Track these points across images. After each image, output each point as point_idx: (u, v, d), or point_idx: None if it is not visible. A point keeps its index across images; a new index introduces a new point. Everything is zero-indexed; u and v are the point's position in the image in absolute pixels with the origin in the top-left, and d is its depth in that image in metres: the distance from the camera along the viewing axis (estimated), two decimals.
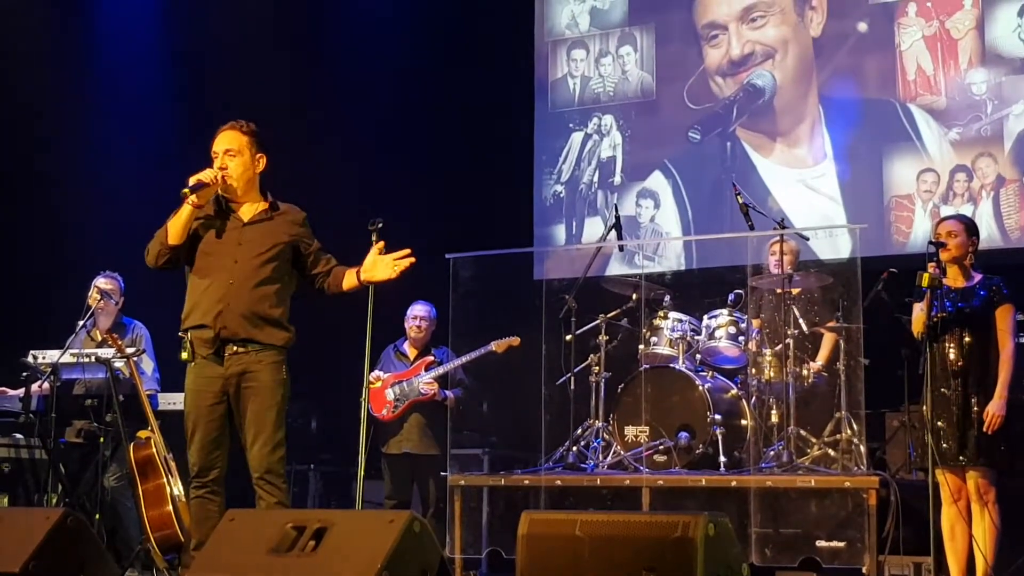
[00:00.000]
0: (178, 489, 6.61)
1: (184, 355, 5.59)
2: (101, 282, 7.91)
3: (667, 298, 8.14)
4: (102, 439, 7.51)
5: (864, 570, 6.65)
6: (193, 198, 5.52)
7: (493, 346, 8.25)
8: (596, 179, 10.56)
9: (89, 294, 7.77)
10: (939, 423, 6.22)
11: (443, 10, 11.03)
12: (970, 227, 6.45)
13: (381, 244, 5.67)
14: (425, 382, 8.38)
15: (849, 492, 6.81)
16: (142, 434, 6.84)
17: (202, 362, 5.55)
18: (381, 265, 5.65)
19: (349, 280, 5.72)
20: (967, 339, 6.24)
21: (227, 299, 5.52)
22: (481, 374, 8.51)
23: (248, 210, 5.72)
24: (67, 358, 7.50)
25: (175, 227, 5.58)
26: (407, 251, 5.65)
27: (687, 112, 10.27)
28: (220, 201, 5.69)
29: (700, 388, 7.58)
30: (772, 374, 7.60)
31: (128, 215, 8.58)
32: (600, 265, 9.42)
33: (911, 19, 9.55)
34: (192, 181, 5.54)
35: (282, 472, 5.54)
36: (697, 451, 7.52)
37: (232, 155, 5.66)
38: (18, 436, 7.85)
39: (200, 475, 5.53)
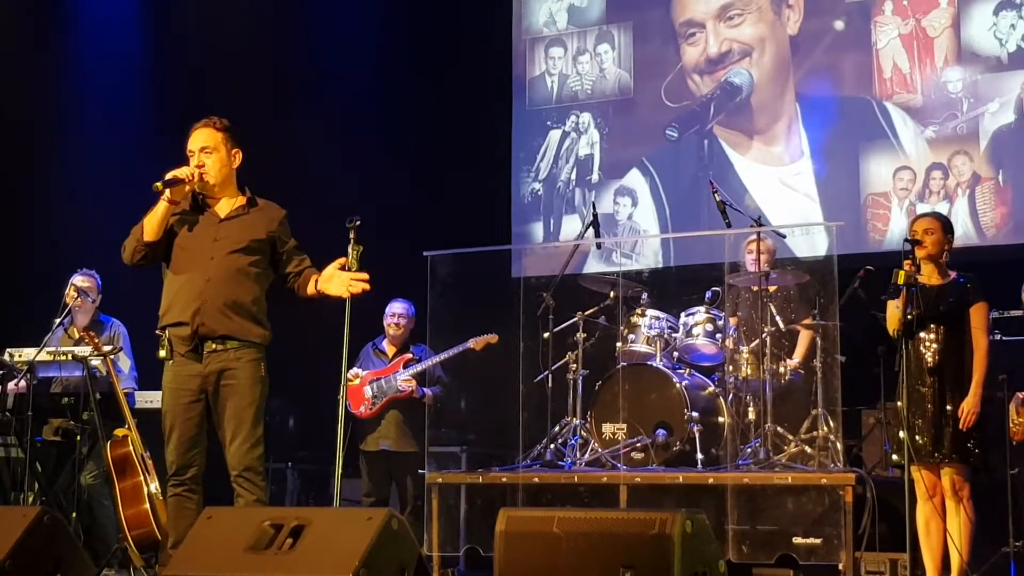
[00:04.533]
0: (155, 487, 6.59)
1: (162, 353, 5.57)
2: (78, 279, 7.88)
3: (644, 296, 8.16)
4: (79, 437, 7.50)
5: (840, 567, 6.68)
6: (167, 193, 5.49)
7: (471, 343, 8.24)
8: (574, 177, 10.56)
9: (66, 291, 7.73)
10: (915, 420, 6.25)
11: (421, 7, 11.01)
12: (946, 225, 6.48)
13: (342, 260, 5.59)
14: (403, 379, 8.38)
15: (825, 489, 6.83)
16: (119, 432, 6.81)
17: (180, 360, 5.53)
18: (336, 281, 5.57)
19: (310, 288, 5.67)
20: (942, 336, 6.27)
21: (204, 296, 5.49)
22: (459, 371, 8.51)
23: (225, 205, 5.68)
24: (44, 356, 7.47)
25: (151, 224, 5.55)
26: (365, 276, 5.58)
27: (664, 110, 10.27)
28: (196, 196, 5.66)
29: (677, 385, 7.60)
30: (749, 371, 7.62)
31: (106, 212, 8.54)
32: (578, 263, 9.43)
33: (887, 17, 9.57)
34: (168, 177, 5.51)
35: (260, 470, 5.54)
36: (674, 448, 7.53)
37: (208, 152, 5.61)
38: None
39: (178, 473, 5.52)
